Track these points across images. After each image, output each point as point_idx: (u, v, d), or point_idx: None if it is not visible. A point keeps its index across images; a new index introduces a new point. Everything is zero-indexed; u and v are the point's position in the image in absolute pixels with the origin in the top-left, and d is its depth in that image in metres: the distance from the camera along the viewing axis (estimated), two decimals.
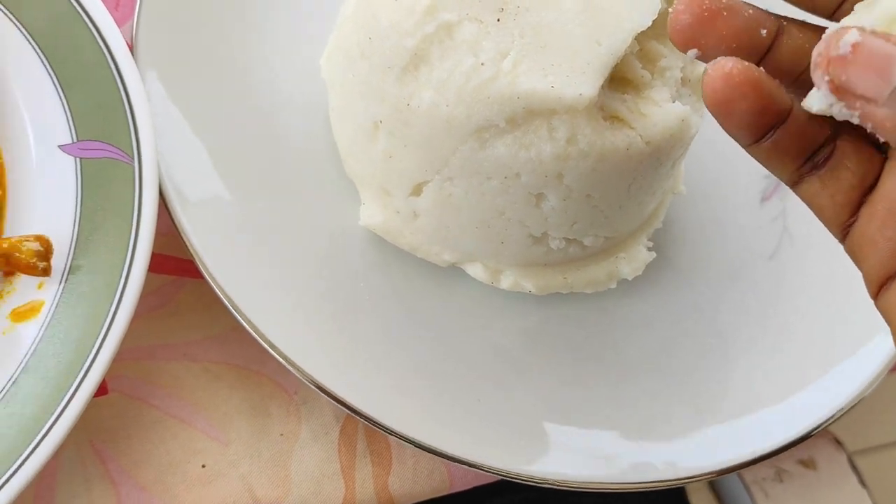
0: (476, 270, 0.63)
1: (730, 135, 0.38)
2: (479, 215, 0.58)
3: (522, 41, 0.51)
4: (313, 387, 0.57)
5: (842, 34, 0.34)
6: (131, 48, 0.62)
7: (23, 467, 0.50)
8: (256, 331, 0.57)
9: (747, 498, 1.09)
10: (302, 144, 0.65)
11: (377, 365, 0.60)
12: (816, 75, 0.35)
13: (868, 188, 0.38)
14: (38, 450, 0.50)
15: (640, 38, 0.54)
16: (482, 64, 0.51)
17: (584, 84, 0.51)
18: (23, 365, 0.54)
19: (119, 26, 0.62)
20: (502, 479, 0.60)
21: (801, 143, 0.38)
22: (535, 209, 0.56)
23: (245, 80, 0.66)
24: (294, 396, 0.62)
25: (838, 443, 0.82)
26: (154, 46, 0.63)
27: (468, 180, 0.55)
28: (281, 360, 0.57)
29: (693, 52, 0.39)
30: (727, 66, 0.36)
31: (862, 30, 0.34)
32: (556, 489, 0.74)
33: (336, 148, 0.65)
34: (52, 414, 0.52)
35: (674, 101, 0.55)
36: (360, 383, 0.58)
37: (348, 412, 0.57)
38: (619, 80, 0.55)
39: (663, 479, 0.60)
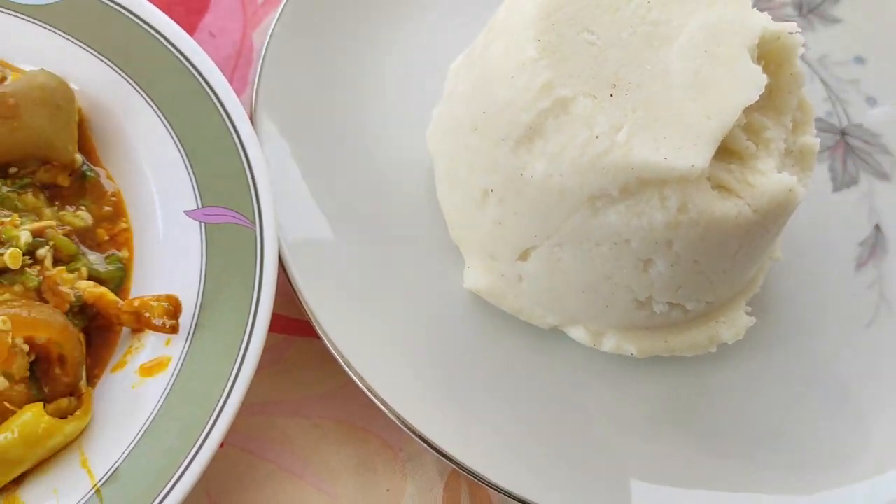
0: (578, 333, 0.64)
1: None
2: (586, 279, 0.59)
3: (635, 115, 0.54)
4: (420, 441, 0.58)
5: None
6: (251, 119, 0.66)
7: None
8: (367, 386, 0.59)
9: None
10: (409, 210, 0.68)
11: (482, 422, 0.61)
12: None
13: None
14: (166, 501, 0.53)
15: (745, 110, 0.56)
16: (597, 137, 0.53)
17: (695, 156, 0.53)
18: (150, 420, 0.56)
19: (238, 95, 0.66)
20: None
21: None
22: (642, 274, 0.58)
23: (356, 151, 0.69)
24: (400, 453, 0.64)
25: None
26: (272, 117, 0.67)
27: (578, 246, 0.57)
28: (390, 414, 0.59)
29: None
30: None
31: None
32: None
33: (440, 213, 0.68)
34: (179, 467, 0.54)
35: (779, 172, 0.56)
36: (465, 439, 0.60)
37: (453, 466, 0.58)
38: (724, 150, 0.57)
39: None
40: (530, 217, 0.58)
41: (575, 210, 0.56)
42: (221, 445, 0.62)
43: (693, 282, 0.59)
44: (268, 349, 0.66)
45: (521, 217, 0.58)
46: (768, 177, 0.55)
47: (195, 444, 0.55)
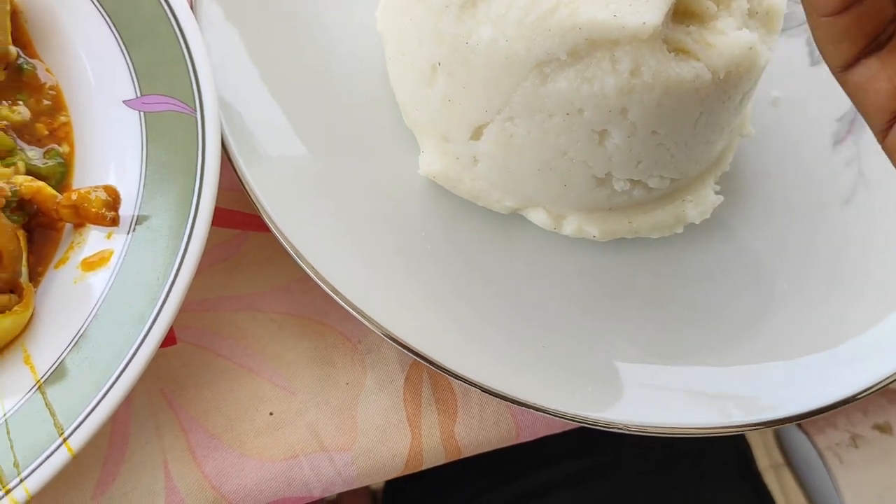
0: (538, 216, 0.62)
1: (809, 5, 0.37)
2: (541, 156, 0.57)
3: None
4: (378, 332, 0.57)
5: None
6: (191, 2, 0.63)
7: (96, 410, 0.51)
8: (322, 279, 0.57)
9: (821, 464, 1.06)
10: (361, 97, 0.65)
11: (441, 311, 0.60)
12: None
13: None
14: (110, 393, 0.51)
15: None
16: None
17: (647, 12, 0.50)
18: (94, 313, 0.55)
19: None
20: (566, 437, 0.60)
21: (875, 20, 0.37)
22: (598, 148, 0.55)
23: (304, 34, 0.66)
24: (358, 345, 0.62)
25: None
26: (214, 1, 0.63)
27: (530, 119, 0.55)
28: (346, 306, 0.57)
29: None
30: None
31: None
32: (612, 446, 0.73)
33: (394, 99, 0.65)
34: (124, 358, 0.52)
35: (740, 30, 0.53)
36: (425, 329, 0.58)
37: (413, 357, 0.56)
38: (683, 13, 0.54)
39: (733, 424, 0.58)
40: (479, 89, 0.55)
41: (523, 78, 0.53)
42: (174, 342, 0.61)
43: (653, 155, 0.56)
44: (221, 244, 0.64)
45: (470, 90, 0.55)
46: (727, 35, 0.52)
47: (139, 337, 0.53)
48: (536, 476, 0.79)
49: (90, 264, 0.57)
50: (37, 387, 0.53)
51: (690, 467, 0.82)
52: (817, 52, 0.72)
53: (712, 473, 0.84)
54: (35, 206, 0.58)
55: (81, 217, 0.57)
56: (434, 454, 0.61)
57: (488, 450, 0.63)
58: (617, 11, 0.49)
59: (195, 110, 0.58)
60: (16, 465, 0.50)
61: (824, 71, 0.72)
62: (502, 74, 0.53)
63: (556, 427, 0.63)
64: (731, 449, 0.88)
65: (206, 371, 0.61)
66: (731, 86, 0.54)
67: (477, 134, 0.58)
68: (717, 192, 0.63)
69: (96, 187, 0.57)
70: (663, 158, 0.57)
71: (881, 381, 0.58)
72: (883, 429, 1.01)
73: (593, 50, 0.51)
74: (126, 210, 0.57)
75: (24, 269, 0.57)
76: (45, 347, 0.54)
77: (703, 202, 0.62)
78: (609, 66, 0.51)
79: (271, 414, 0.60)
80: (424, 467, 0.61)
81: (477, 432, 0.61)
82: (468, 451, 0.62)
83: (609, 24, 0.49)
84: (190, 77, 0.59)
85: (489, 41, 0.52)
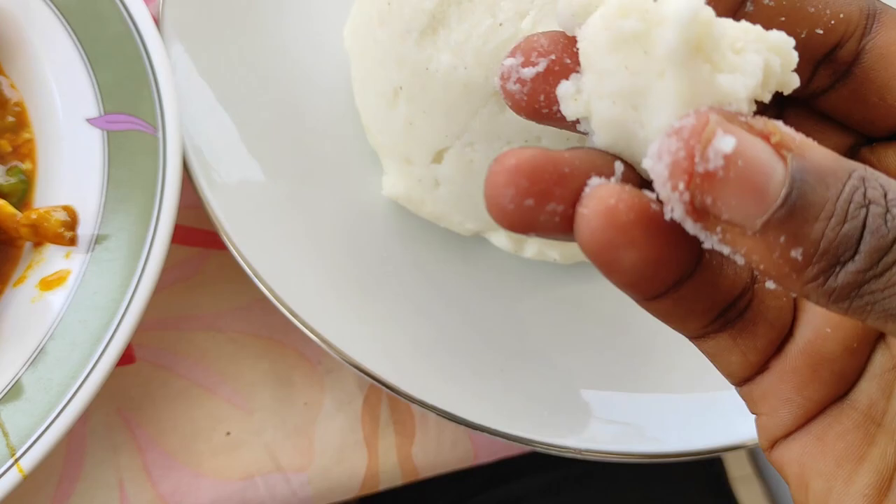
0: (500, 239, 0.62)
1: (617, 286, 0.27)
2: None
3: (542, 0, 0.50)
4: (336, 356, 0.57)
5: (710, 135, 0.23)
6: (157, 22, 0.63)
7: (50, 429, 0.51)
8: (280, 301, 0.57)
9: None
10: (326, 116, 0.65)
11: (400, 334, 0.60)
12: (666, 191, 0.24)
13: (784, 340, 0.31)
14: (64, 412, 0.51)
15: None
16: (500, 24, 0.50)
17: None
18: (50, 332, 0.55)
19: (146, 1, 0.62)
20: (529, 454, 0.60)
21: (714, 297, 0.29)
22: None
23: (269, 52, 0.66)
24: (318, 366, 0.62)
25: None
26: (179, 19, 0.63)
27: (489, 145, 0.55)
28: (304, 329, 0.57)
29: None
30: (610, 199, 0.25)
31: (733, 120, 0.23)
32: (581, 461, 0.74)
33: (359, 119, 0.65)
34: (79, 378, 0.52)
35: None
36: (383, 352, 0.58)
37: (371, 381, 0.57)
38: None
39: (693, 449, 0.59)
40: (439, 115, 0.55)
41: (482, 105, 0.53)
42: (132, 361, 0.61)
43: None
44: (182, 263, 0.64)
45: (431, 115, 0.56)
46: None
47: (95, 355, 0.53)
48: (507, 487, 0.79)
49: (48, 283, 0.57)
50: None
51: (661, 480, 0.83)
52: None
53: (682, 486, 0.84)
54: None
55: (40, 236, 0.57)
56: (391, 475, 0.61)
57: (446, 471, 0.63)
58: None
59: (158, 130, 0.58)
60: None
61: None
62: (461, 101, 0.53)
63: (515, 450, 0.63)
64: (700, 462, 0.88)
65: (163, 390, 0.61)
66: None
67: (438, 157, 0.58)
68: None
69: (55, 207, 0.57)
70: None
71: None
72: None
73: None
74: (86, 229, 0.57)
75: None
76: (2, 367, 0.54)
77: None
78: None
79: (228, 434, 0.60)
80: (381, 488, 0.61)
81: (434, 454, 0.61)
82: (425, 473, 0.62)
83: None
84: (153, 97, 0.59)
85: (448, 68, 0.53)
